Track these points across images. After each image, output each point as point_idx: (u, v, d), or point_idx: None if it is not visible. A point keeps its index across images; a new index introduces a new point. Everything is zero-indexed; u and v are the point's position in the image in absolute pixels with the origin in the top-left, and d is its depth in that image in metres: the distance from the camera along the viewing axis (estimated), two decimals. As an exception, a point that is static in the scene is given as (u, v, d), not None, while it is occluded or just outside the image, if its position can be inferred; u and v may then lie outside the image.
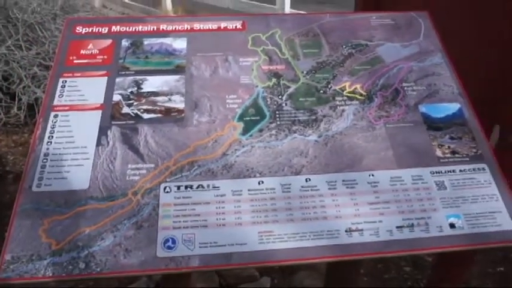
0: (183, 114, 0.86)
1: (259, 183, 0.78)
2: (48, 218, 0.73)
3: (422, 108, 0.89)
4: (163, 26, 1.00)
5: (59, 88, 0.88)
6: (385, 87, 0.92)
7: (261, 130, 0.85)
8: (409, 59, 0.97)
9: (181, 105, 0.87)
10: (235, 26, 1.01)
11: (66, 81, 0.89)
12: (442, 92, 0.92)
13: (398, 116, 0.88)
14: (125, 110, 0.86)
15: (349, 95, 0.91)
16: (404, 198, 0.78)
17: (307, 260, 0.72)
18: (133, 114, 0.86)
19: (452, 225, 0.76)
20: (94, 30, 0.98)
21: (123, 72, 0.92)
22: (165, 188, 0.77)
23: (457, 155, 0.84)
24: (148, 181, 0.77)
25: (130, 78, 0.91)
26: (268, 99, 0.89)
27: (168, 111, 0.87)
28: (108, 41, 0.97)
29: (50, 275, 0.68)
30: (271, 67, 0.94)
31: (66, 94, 0.88)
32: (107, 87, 0.89)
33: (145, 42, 0.97)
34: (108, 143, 0.82)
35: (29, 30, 2.69)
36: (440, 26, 1.01)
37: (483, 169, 0.82)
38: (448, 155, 0.84)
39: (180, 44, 0.97)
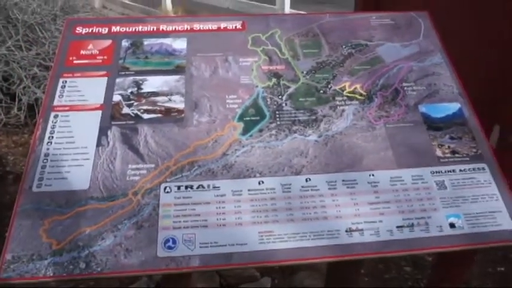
0: (183, 115, 0.86)
1: (259, 183, 0.78)
2: (49, 218, 0.73)
3: (422, 108, 0.89)
4: (163, 27, 1.00)
5: (59, 88, 0.88)
6: (385, 87, 0.92)
7: (261, 130, 0.85)
8: (409, 58, 0.97)
9: (181, 106, 0.88)
10: (235, 26, 1.01)
11: (66, 82, 0.89)
12: (442, 91, 0.92)
13: (398, 116, 0.88)
14: (125, 110, 0.86)
15: (349, 95, 0.91)
16: (405, 198, 0.78)
17: (308, 260, 0.72)
18: (133, 115, 0.86)
19: (452, 225, 0.76)
20: (94, 31, 0.98)
21: (123, 73, 0.92)
22: (165, 188, 0.77)
23: (457, 155, 0.84)
24: (149, 181, 0.77)
25: (131, 78, 0.91)
26: (268, 99, 0.89)
27: (168, 112, 0.87)
28: (108, 42, 0.97)
29: (51, 274, 0.68)
30: (271, 67, 0.94)
31: (66, 94, 0.88)
32: (107, 88, 0.89)
33: (145, 43, 0.97)
34: (108, 143, 0.82)
35: (29, 31, 2.69)
36: (440, 26, 1.01)
37: (483, 169, 0.82)
38: (448, 155, 0.84)
39: (180, 44, 0.97)
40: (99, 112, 0.86)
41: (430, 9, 1.04)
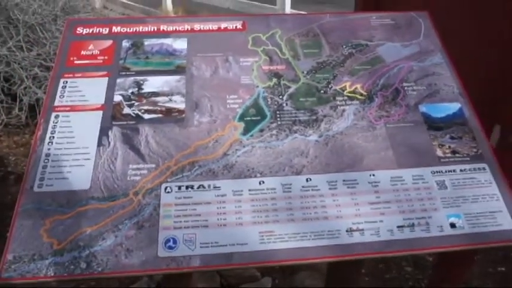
0: (183, 115, 0.86)
1: (260, 183, 0.78)
2: (50, 218, 0.73)
3: (423, 108, 0.89)
4: (163, 27, 1.00)
5: (59, 89, 0.89)
6: (385, 87, 0.92)
7: (261, 130, 0.85)
8: (409, 58, 0.97)
9: (181, 106, 0.88)
10: (236, 27, 1.01)
11: (67, 82, 0.90)
12: (443, 91, 0.92)
13: (399, 115, 0.88)
14: (126, 110, 0.86)
15: (349, 94, 0.91)
16: (405, 198, 0.78)
17: (308, 260, 0.72)
18: (134, 115, 0.86)
19: (452, 225, 0.76)
20: (95, 31, 0.99)
21: (124, 73, 0.92)
22: (166, 188, 0.77)
23: (457, 155, 0.84)
24: (149, 181, 0.78)
25: (131, 78, 0.91)
26: (269, 99, 0.90)
27: (168, 112, 0.87)
28: (109, 42, 0.97)
29: (52, 274, 0.68)
30: (271, 67, 0.94)
31: (67, 95, 0.88)
32: (108, 88, 0.89)
33: (146, 43, 0.97)
34: (109, 143, 0.82)
35: (29, 32, 2.69)
36: (440, 26, 1.02)
37: (483, 169, 0.82)
38: (449, 155, 0.84)
39: (180, 45, 0.97)
40: (100, 112, 0.86)
41: (430, 9, 1.04)
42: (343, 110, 0.89)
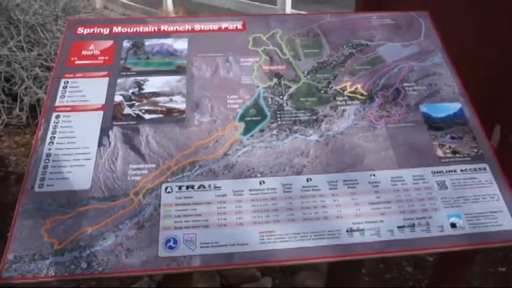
0: (184, 115, 0.86)
1: (260, 183, 0.78)
2: (50, 218, 0.73)
3: (423, 108, 0.89)
4: (164, 27, 1.01)
5: (60, 89, 0.89)
6: (386, 87, 0.92)
7: (262, 130, 0.85)
8: (409, 58, 0.97)
9: (182, 106, 0.88)
10: (236, 27, 1.01)
11: (67, 82, 0.90)
12: (443, 91, 0.92)
13: (399, 115, 0.88)
14: (127, 110, 0.87)
15: (350, 95, 0.91)
16: (406, 198, 0.78)
17: (309, 260, 0.72)
18: (134, 115, 0.86)
19: (453, 225, 0.76)
20: (95, 31, 0.99)
21: (125, 73, 0.92)
22: (166, 188, 0.77)
23: (458, 155, 0.84)
24: (150, 181, 0.78)
25: (132, 79, 0.91)
26: (269, 100, 0.90)
27: (169, 112, 0.87)
28: (110, 42, 0.97)
29: (52, 274, 0.68)
30: (272, 67, 0.95)
31: (68, 95, 0.88)
32: (109, 88, 0.89)
33: (147, 43, 0.97)
34: (109, 143, 0.82)
35: (30, 32, 2.70)
36: (440, 26, 1.02)
37: (484, 169, 0.82)
38: (449, 155, 0.84)
39: (181, 45, 0.97)
40: (101, 112, 0.86)
41: (430, 9, 1.04)
42: (344, 110, 0.89)
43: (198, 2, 4.94)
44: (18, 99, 2.52)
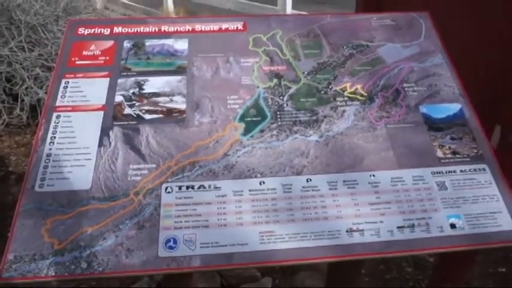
0: (184, 115, 0.87)
1: (260, 183, 0.79)
2: (51, 217, 0.73)
3: (423, 109, 0.90)
4: (164, 27, 1.01)
5: (61, 89, 0.89)
6: (385, 88, 0.92)
7: (262, 131, 0.85)
8: (409, 59, 0.97)
9: (182, 106, 0.88)
10: (237, 27, 1.01)
11: (68, 82, 0.90)
12: (443, 92, 0.92)
13: (399, 116, 0.88)
14: (127, 110, 0.87)
15: (350, 95, 0.91)
16: (405, 198, 0.78)
17: (308, 260, 0.72)
18: (135, 115, 0.86)
19: (453, 226, 0.76)
20: (96, 32, 0.99)
21: (125, 73, 0.92)
22: (166, 188, 0.77)
23: (457, 156, 0.84)
24: (150, 181, 0.78)
25: (132, 79, 0.91)
26: (269, 100, 0.90)
27: (169, 112, 0.87)
28: (110, 42, 0.97)
29: (53, 274, 0.68)
30: (272, 68, 0.95)
31: (69, 95, 0.88)
32: (109, 88, 0.89)
33: (147, 44, 0.98)
34: (110, 143, 0.82)
35: (31, 32, 2.70)
36: (440, 26, 1.02)
37: (484, 169, 0.82)
38: (449, 156, 0.84)
39: (181, 45, 0.98)
40: (101, 113, 0.86)
41: (430, 9, 1.04)
42: (344, 111, 0.89)
43: (199, 2, 4.95)
44: (19, 99, 2.52)
